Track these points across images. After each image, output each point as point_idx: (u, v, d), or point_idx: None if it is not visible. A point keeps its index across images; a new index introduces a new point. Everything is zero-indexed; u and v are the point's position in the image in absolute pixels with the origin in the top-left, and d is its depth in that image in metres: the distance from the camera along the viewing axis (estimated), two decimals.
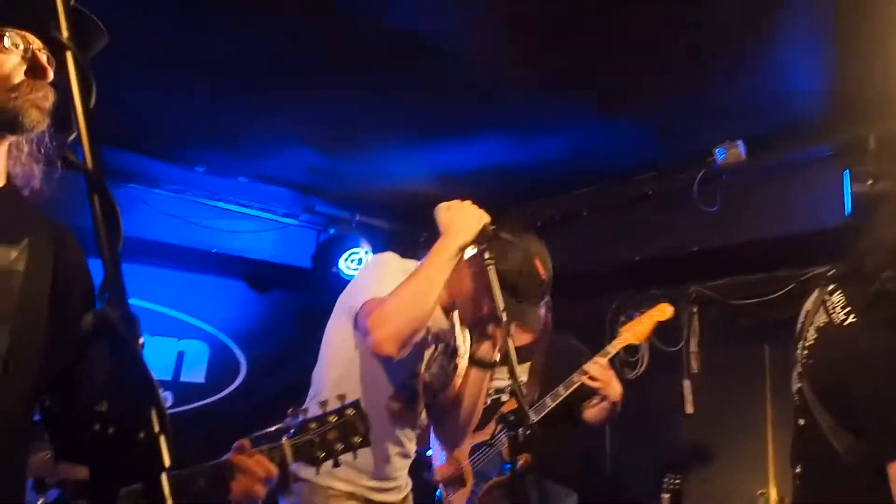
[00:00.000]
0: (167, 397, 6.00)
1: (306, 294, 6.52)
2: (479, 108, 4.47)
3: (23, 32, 1.52)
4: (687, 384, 5.53)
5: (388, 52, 3.82)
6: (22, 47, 1.51)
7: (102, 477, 0.91)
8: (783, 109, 4.32)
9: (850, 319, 2.24)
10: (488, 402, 3.95)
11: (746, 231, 4.98)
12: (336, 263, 6.05)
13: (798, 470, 2.44)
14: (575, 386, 3.99)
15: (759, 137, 4.60)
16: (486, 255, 2.59)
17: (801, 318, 2.47)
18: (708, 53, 3.78)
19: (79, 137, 1.05)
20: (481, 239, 2.65)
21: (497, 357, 2.86)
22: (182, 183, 5.54)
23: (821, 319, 2.35)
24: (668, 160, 5.09)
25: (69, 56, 1.08)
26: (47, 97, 1.53)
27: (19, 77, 1.50)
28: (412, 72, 4.02)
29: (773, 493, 5.03)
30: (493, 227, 2.67)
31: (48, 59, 1.54)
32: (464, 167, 5.32)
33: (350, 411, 2.02)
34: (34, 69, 1.52)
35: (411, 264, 2.78)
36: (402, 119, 4.67)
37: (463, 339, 2.98)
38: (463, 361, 2.93)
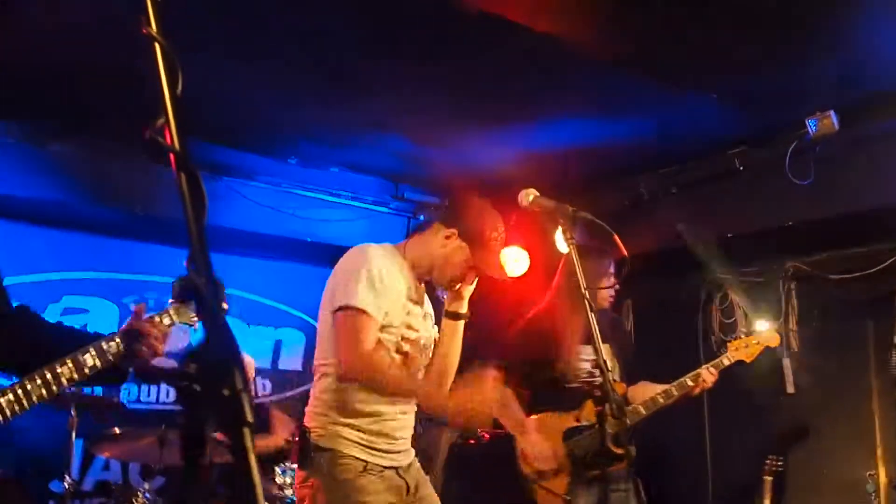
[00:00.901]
0: (265, 385, 6.19)
1: None
2: (561, 87, 4.47)
3: None
4: (787, 363, 5.40)
5: (472, 38, 3.86)
6: None
7: (192, 431, 0.99)
8: (875, 79, 4.19)
9: None
10: (577, 382, 4.01)
11: (842, 203, 4.84)
12: None
13: None
14: (688, 389, 4.12)
15: (852, 107, 4.47)
16: (568, 236, 2.64)
17: None
18: (796, 23, 3.69)
19: (167, 122, 1.13)
20: (564, 220, 2.69)
21: (465, 309, 3.17)
22: (276, 174, 5.71)
23: None
24: (758, 133, 4.99)
25: (157, 47, 1.17)
26: None
27: None
28: (496, 56, 4.05)
29: (882, 474, 4.90)
30: (574, 208, 2.70)
31: None
32: (550, 147, 5.32)
33: None
34: None
35: (389, 255, 3.04)
36: (485, 102, 4.70)
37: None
38: (430, 321, 3.16)
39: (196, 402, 0.97)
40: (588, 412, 3.98)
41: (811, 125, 4.55)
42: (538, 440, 3.93)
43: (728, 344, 4.51)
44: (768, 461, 5.08)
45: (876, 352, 5.02)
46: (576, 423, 3.99)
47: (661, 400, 4.06)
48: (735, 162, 5.18)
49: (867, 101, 4.44)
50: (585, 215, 2.77)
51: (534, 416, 4.01)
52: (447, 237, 3.08)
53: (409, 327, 3.01)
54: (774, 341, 4.51)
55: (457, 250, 3.07)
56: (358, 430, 2.88)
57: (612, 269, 4.10)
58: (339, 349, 2.84)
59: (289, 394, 6.31)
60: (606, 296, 4.13)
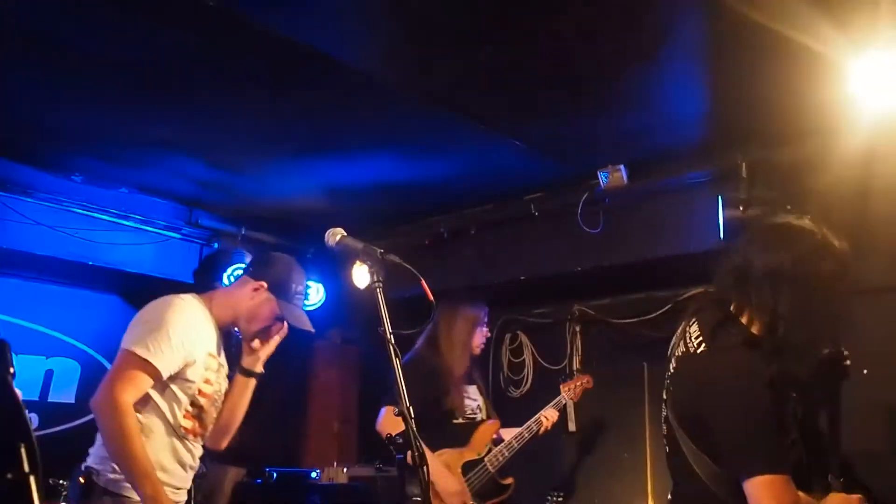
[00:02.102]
0: (32, 419, 5.69)
1: None
2: (369, 123, 4.46)
3: None
4: (570, 403, 5.63)
5: (279, 65, 3.77)
6: None
7: None
8: (663, 136, 4.47)
9: (701, 348, 2.34)
10: (462, 419, 4.36)
11: (627, 252, 5.14)
12: (220, 278, 5.90)
13: (669, 497, 2.53)
14: (537, 431, 4.55)
15: (641, 162, 4.76)
16: (375, 279, 2.60)
17: (670, 348, 2.56)
18: (593, 80, 3.88)
19: None
20: (371, 262, 2.66)
21: (260, 368, 3.32)
22: (57, 192, 5.30)
23: (680, 349, 2.44)
24: (554, 181, 5.21)
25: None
26: None
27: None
28: (302, 85, 3.97)
29: None
30: (381, 250, 2.67)
31: None
32: (354, 182, 5.31)
33: None
34: None
35: (195, 308, 3.12)
36: (292, 133, 4.60)
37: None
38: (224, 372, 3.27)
39: None
40: (478, 446, 4.36)
41: (603, 177, 4.81)
42: (448, 477, 4.13)
43: (561, 386, 4.92)
44: (550, 497, 5.27)
45: (650, 392, 5.34)
46: (471, 458, 4.32)
47: (516, 444, 4.44)
48: (531, 207, 5.38)
49: (655, 157, 4.73)
50: (393, 258, 2.74)
51: (436, 453, 4.16)
52: (255, 289, 3.19)
53: (207, 381, 3.09)
54: (590, 384, 5.01)
55: (264, 303, 3.20)
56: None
57: (485, 318, 4.58)
58: (105, 380, 2.86)
59: (59, 428, 5.81)
60: (479, 343, 4.56)
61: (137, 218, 5.74)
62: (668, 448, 2.49)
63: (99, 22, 3.42)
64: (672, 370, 2.48)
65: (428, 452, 3.93)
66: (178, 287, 5.98)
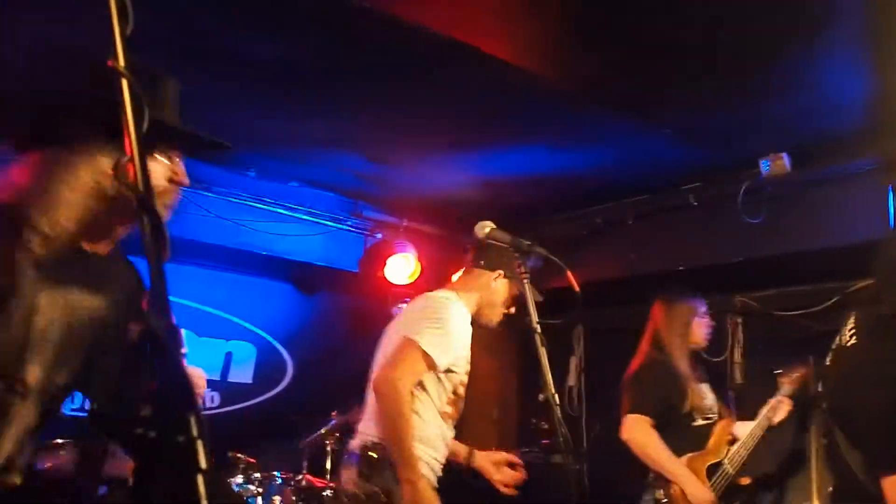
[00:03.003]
0: (214, 398, 6.13)
1: (353, 297, 6.64)
2: (521, 116, 4.53)
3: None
4: (730, 395, 5.50)
5: (431, 60, 3.89)
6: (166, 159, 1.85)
7: (144, 478, 1.00)
8: (827, 122, 4.31)
9: (853, 341, 2.28)
10: (700, 420, 4.24)
11: (790, 242, 4.97)
12: (382, 267, 6.14)
13: (830, 489, 2.48)
14: (768, 424, 4.36)
15: (804, 149, 4.59)
16: (522, 269, 2.68)
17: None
18: (752, 66, 3.79)
19: (132, 161, 1.13)
20: (519, 254, 2.74)
21: None
22: (233, 186, 5.67)
23: (835, 342, 2.39)
24: (713, 171, 5.10)
25: (125, 83, 1.16)
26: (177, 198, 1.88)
27: (162, 184, 1.82)
28: (453, 80, 4.08)
29: None
30: (528, 242, 2.74)
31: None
32: (508, 175, 5.39)
33: None
34: (177, 176, 1.86)
35: (463, 308, 3.47)
36: (445, 126, 4.74)
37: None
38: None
39: (149, 450, 0.97)
40: (717, 448, 4.21)
41: (764, 165, 4.67)
42: (697, 484, 4.06)
43: (780, 378, 4.64)
44: None
45: (816, 384, 5.14)
46: (713, 461, 4.19)
47: (752, 441, 4.25)
48: (689, 197, 5.30)
49: (818, 143, 4.55)
50: (540, 250, 2.81)
51: (683, 458, 4.13)
52: (494, 279, 3.51)
53: (466, 373, 3.50)
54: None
55: (504, 289, 3.54)
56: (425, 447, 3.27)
57: (702, 308, 4.41)
58: (388, 364, 3.24)
59: (238, 406, 6.25)
60: (705, 336, 4.43)
61: (306, 210, 6.03)
62: (825, 441, 2.46)
63: (255, 26, 3.65)
64: (828, 363, 2.45)
65: (676, 460, 4.11)
66: (345, 276, 6.34)
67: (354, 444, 3.41)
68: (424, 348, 3.22)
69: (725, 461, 4.17)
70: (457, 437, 3.57)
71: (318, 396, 5.84)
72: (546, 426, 2.82)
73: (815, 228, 4.84)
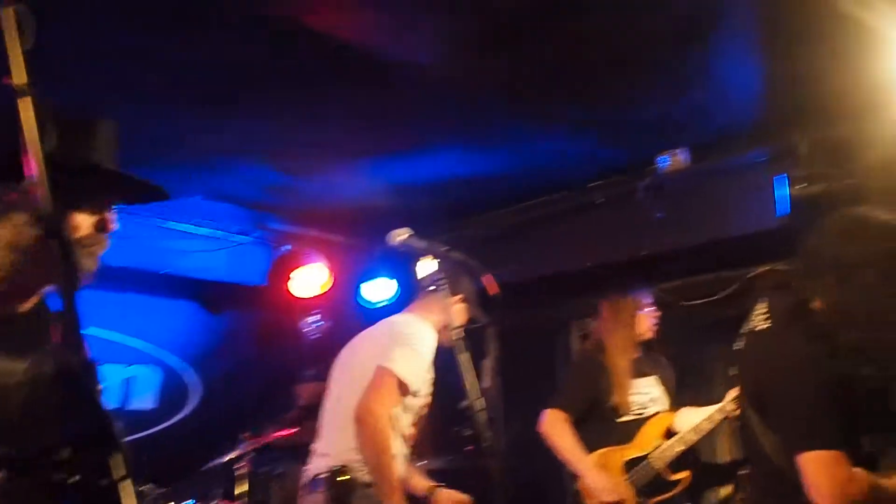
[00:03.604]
0: None
1: (261, 312, 6.49)
2: (432, 121, 4.51)
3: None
4: None
5: (337, 67, 3.83)
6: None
7: None
8: (722, 117, 4.45)
9: (765, 325, 2.36)
10: (630, 416, 4.26)
11: (692, 235, 5.12)
12: (291, 280, 6.03)
13: (744, 471, 2.55)
14: (720, 420, 4.15)
15: (701, 144, 4.74)
16: (440, 276, 2.68)
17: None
18: (650, 64, 3.88)
19: (37, 183, 1.06)
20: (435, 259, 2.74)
21: None
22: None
23: (747, 327, 2.46)
24: (615, 169, 5.21)
25: (26, 102, 1.08)
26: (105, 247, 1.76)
27: (87, 230, 1.70)
28: (361, 86, 4.03)
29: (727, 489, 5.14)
30: (445, 248, 2.74)
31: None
32: (419, 180, 5.37)
33: None
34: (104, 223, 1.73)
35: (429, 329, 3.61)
36: (353, 133, 4.67)
37: None
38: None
39: (71, 495, 0.90)
40: (643, 442, 4.20)
41: (663, 161, 4.80)
42: (598, 475, 4.13)
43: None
44: None
45: (724, 370, 5.30)
46: (635, 455, 4.20)
47: (694, 436, 4.16)
48: (595, 195, 5.40)
49: (715, 138, 4.70)
50: (458, 254, 2.80)
51: (595, 453, 4.20)
52: (454, 304, 3.54)
53: (429, 395, 3.64)
54: None
55: (462, 312, 3.67)
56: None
57: (647, 300, 4.45)
58: (368, 393, 3.32)
59: (141, 435, 6.00)
60: (650, 327, 4.43)
61: (210, 224, 5.87)
62: (739, 423, 2.52)
63: (162, 31, 3.51)
64: (740, 346, 2.51)
65: (580, 453, 4.18)
66: (252, 291, 6.19)
67: (315, 469, 3.42)
68: (399, 375, 3.35)
69: (650, 456, 4.18)
70: None
71: (228, 418, 5.68)
72: (469, 433, 2.81)
73: (714, 220, 5.01)
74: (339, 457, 3.34)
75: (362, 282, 6.32)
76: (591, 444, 4.24)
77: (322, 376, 3.92)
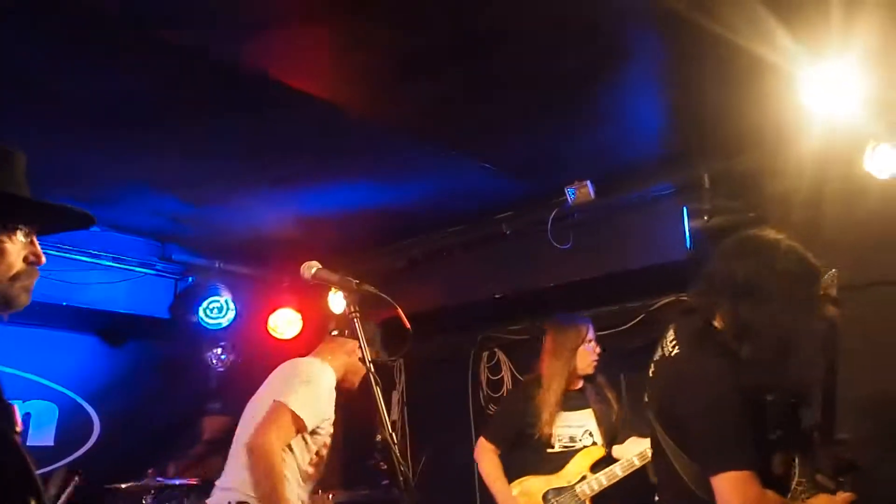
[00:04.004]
0: None
1: (164, 345, 6.33)
2: (338, 153, 4.51)
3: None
4: None
5: (245, 98, 3.81)
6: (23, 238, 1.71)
7: None
8: (627, 151, 4.57)
9: (676, 351, 2.44)
10: (559, 447, 4.29)
11: (598, 266, 5.21)
12: (196, 312, 5.90)
13: (656, 498, 2.59)
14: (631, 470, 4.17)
15: (607, 177, 4.84)
16: (352, 309, 2.68)
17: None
18: (557, 99, 3.96)
19: None
20: (347, 292, 2.74)
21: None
22: None
23: (657, 354, 2.53)
24: (523, 201, 5.28)
25: None
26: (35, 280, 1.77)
27: (20, 265, 1.70)
28: (270, 117, 4.01)
29: None
30: (357, 281, 2.73)
31: None
32: (325, 211, 5.34)
33: None
34: (35, 257, 1.73)
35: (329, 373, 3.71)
36: (261, 164, 4.63)
37: None
38: None
39: None
40: (570, 473, 4.24)
41: (570, 193, 4.89)
42: (511, 501, 4.22)
43: None
44: None
45: (629, 401, 5.40)
46: (559, 486, 4.23)
47: (620, 472, 4.17)
48: (503, 226, 5.45)
49: (620, 172, 4.81)
50: (369, 288, 2.79)
51: (517, 481, 4.28)
52: (358, 347, 3.55)
53: (330, 435, 3.68)
54: None
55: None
56: None
57: (588, 334, 4.42)
58: (261, 427, 3.38)
59: (40, 472, 5.75)
60: (590, 363, 4.42)
61: (110, 256, 5.72)
62: (652, 450, 2.57)
63: (63, 61, 3.44)
64: (651, 374, 2.57)
65: (500, 481, 4.27)
66: (155, 323, 6.04)
67: (214, 502, 3.47)
68: (294, 410, 3.40)
69: (576, 487, 4.22)
70: None
71: (130, 453, 5.50)
72: (384, 467, 2.80)
73: (620, 252, 5.11)
74: (237, 491, 3.37)
75: (269, 314, 6.24)
76: (521, 473, 4.33)
77: (227, 409, 3.90)
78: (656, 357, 2.55)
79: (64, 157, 4.41)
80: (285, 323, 6.19)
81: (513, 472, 4.33)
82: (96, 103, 3.81)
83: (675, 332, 2.50)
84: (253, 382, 3.90)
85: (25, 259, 1.73)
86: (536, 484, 4.26)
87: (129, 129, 4.12)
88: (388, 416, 6.33)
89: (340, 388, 3.77)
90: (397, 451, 2.51)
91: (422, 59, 3.54)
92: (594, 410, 4.39)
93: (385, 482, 3.15)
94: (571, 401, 4.37)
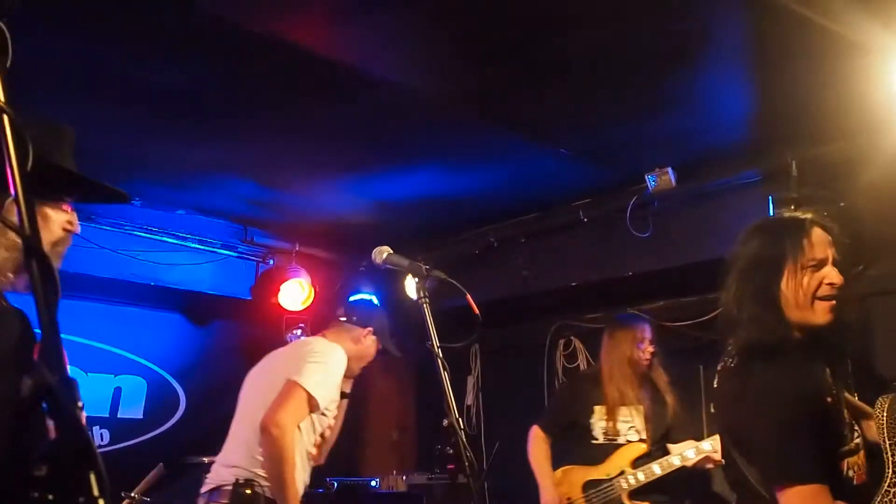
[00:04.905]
0: (104, 435, 5.87)
1: (246, 325, 6.49)
2: (415, 139, 4.54)
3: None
4: None
5: (320, 84, 3.86)
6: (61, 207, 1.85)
7: None
8: (709, 138, 4.46)
9: (735, 362, 2.37)
10: (603, 440, 4.41)
11: (677, 256, 5.12)
12: (276, 294, 6.03)
13: None
14: (688, 463, 4.24)
15: (689, 164, 4.75)
16: (422, 295, 2.67)
17: None
18: (636, 83, 3.89)
19: (16, 202, 1.06)
20: (417, 278, 2.74)
21: (348, 389, 3.80)
22: (118, 216, 5.48)
23: (721, 363, 2.47)
24: (601, 187, 5.21)
25: (5, 119, 1.09)
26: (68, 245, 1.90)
27: (59, 233, 1.84)
28: (345, 102, 4.05)
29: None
30: (427, 267, 2.73)
31: None
32: (402, 197, 5.38)
33: None
34: (71, 225, 1.87)
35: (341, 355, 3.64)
36: (337, 149, 4.70)
37: None
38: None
39: None
40: (610, 467, 4.34)
41: (650, 181, 4.80)
42: (551, 490, 4.38)
43: None
44: None
45: (707, 393, 5.30)
46: (597, 478, 4.35)
47: (658, 470, 4.26)
48: (580, 214, 5.39)
49: (702, 158, 4.71)
50: (439, 274, 2.79)
51: (560, 469, 4.45)
52: (364, 335, 3.76)
53: (335, 417, 3.66)
54: None
55: (373, 344, 3.80)
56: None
57: (645, 335, 4.48)
58: (276, 406, 3.32)
59: (129, 443, 5.99)
60: (643, 359, 4.47)
61: (195, 238, 5.90)
62: (725, 460, 2.51)
63: (143, 52, 3.55)
64: (715, 385, 2.51)
65: (545, 468, 4.40)
66: (237, 304, 6.20)
67: (217, 480, 3.43)
68: (309, 390, 3.37)
69: (614, 481, 4.30)
70: (357, 461, 3.64)
71: (212, 429, 5.65)
72: (451, 451, 2.82)
73: (700, 241, 4.98)
74: (244, 469, 3.36)
75: (347, 297, 6.32)
76: (565, 461, 4.48)
77: None
78: (719, 367, 2.49)
79: (148, 146, 4.57)
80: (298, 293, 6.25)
81: (558, 460, 4.50)
82: (175, 94, 3.93)
83: (733, 342, 2.44)
84: None
85: (64, 228, 1.86)
86: (578, 474, 4.40)
87: (206, 117, 4.24)
88: (464, 401, 6.46)
89: (352, 371, 3.77)
90: (464, 437, 2.52)
91: (497, 42, 3.51)
92: (644, 408, 4.45)
93: (451, 466, 3.18)
94: (623, 396, 4.44)
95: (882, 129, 3.97)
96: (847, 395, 2.50)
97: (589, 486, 4.35)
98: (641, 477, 4.27)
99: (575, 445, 4.47)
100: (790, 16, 3.08)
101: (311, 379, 3.40)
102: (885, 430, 2.52)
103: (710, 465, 4.27)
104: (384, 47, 3.57)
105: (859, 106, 3.86)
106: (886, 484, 2.42)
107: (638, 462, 4.33)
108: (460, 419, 2.58)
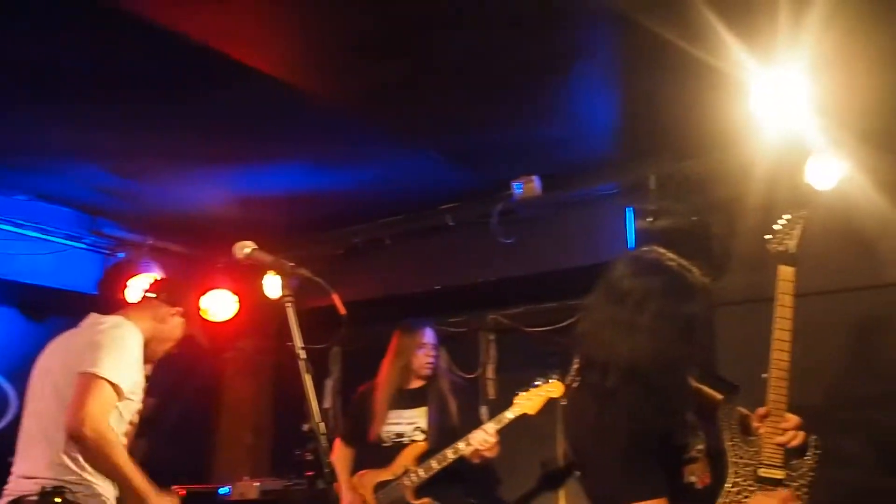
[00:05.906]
0: None
1: None
2: (281, 132, 4.41)
3: None
4: (484, 410, 5.64)
5: (187, 70, 3.69)
6: None
7: None
8: (576, 147, 4.55)
9: (575, 383, 2.40)
10: (390, 443, 4.56)
11: (540, 262, 5.21)
12: (123, 289, 5.71)
13: None
14: (463, 453, 4.33)
15: (554, 173, 4.84)
16: (286, 293, 2.58)
17: None
18: (508, 90, 3.92)
19: None
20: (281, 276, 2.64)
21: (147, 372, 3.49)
22: None
23: (567, 381, 2.51)
24: (469, 192, 5.25)
25: None
26: None
27: None
28: (212, 91, 3.90)
29: None
30: (292, 265, 2.65)
31: None
32: (265, 191, 5.25)
33: None
34: None
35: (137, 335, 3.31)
36: (201, 140, 4.50)
37: None
38: None
39: None
40: (396, 466, 4.48)
41: (517, 188, 4.87)
42: (346, 495, 4.51)
43: (514, 398, 4.42)
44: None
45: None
46: (386, 478, 4.48)
47: (435, 465, 4.37)
48: (446, 217, 5.41)
49: (567, 169, 4.82)
50: (304, 272, 2.71)
51: (356, 475, 4.58)
52: (172, 315, 3.47)
53: (141, 401, 3.33)
54: (559, 391, 4.29)
55: (178, 326, 3.51)
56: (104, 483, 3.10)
57: (427, 339, 4.64)
58: (79, 404, 2.97)
59: None
60: (424, 364, 4.61)
61: (36, 226, 5.53)
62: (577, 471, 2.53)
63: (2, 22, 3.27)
64: (563, 402, 2.54)
65: (343, 475, 4.37)
66: (80, 298, 5.82)
67: (18, 490, 3.08)
68: (109, 379, 3.05)
69: (398, 480, 4.46)
70: (206, 466, 3.44)
71: None
72: (310, 457, 2.73)
73: (563, 249, 5.10)
74: (50, 477, 3.03)
75: (201, 294, 6.08)
76: (361, 467, 4.67)
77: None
78: (567, 381, 2.52)
79: None
80: (219, 304, 6.03)
81: (356, 468, 4.67)
82: (23, 69, 3.66)
83: (579, 363, 2.47)
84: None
85: None
86: (370, 477, 4.56)
87: (59, 97, 3.96)
88: (321, 404, 6.34)
89: (155, 354, 3.47)
90: (324, 443, 2.43)
91: (373, 41, 3.46)
92: (429, 409, 4.61)
93: (309, 473, 3.09)
94: (406, 400, 4.63)
95: (734, 147, 4.17)
96: (700, 386, 2.57)
97: (379, 487, 4.50)
98: (422, 473, 4.41)
99: (368, 451, 4.63)
100: (655, 38, 3.18)
101: (108, 366, 3.06)
102: (727, 433, 2.63)
103: (477, 460, 4.37)
104: (253, 35, 3.44)
105: (716, 124, 4.01)
106: (728, 485, 2.51)
107: (422, 459, 4.48)
108: (321, 423, 2.49)
